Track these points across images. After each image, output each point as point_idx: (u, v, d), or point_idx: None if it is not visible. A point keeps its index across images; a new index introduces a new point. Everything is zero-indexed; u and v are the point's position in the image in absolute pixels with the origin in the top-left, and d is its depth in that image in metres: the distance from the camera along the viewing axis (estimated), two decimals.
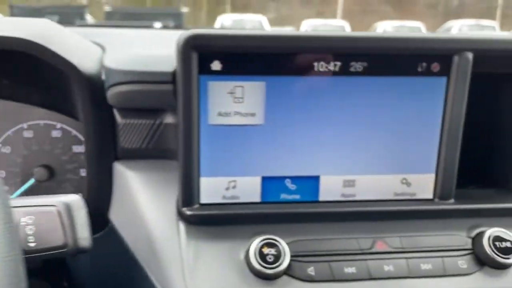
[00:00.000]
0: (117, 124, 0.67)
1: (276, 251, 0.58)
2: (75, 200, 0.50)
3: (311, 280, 0.58)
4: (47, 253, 0.43)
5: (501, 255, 0.60)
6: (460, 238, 0.64)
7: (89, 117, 0.66)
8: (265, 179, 0.63)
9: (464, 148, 0.82)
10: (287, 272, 0.59)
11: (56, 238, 0.44)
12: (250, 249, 0.58)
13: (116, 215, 0.70)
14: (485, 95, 0.77)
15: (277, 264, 0.57)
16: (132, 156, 0.69)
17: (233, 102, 0.59)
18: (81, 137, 0.75)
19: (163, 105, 0.64)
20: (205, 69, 0.58)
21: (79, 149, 0.76)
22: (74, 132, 0.76)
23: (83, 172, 0.77)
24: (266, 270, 0.57)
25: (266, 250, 0.58)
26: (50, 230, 0.44)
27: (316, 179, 0.64)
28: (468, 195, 0.67)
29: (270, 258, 0.57)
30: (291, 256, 0.60)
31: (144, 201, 0.65)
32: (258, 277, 0.58)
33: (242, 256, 0.60)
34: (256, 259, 0.57)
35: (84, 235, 0.47)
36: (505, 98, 0.72)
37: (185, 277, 0.57)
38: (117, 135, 0.68)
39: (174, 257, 0.59)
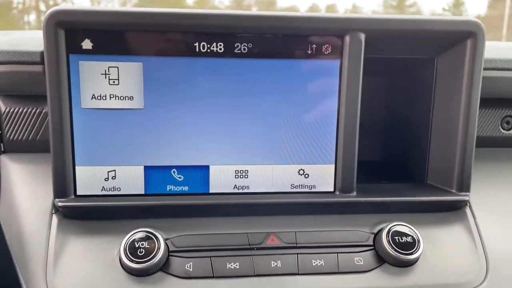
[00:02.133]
0: (0, 113, 0.63)
1: (149, 245, 0.53)
2: None
3: (187, 276, 0.53)
4: None
5: (401, 251, 0.56)
6: (362, 234, 0.59)
7: None
8: (148, 169, 0.59)
9: (380, 141, 0.79)
10: (163, 268, 0.54)
11: None
12: (122, 242, 0.53)
13: (2, 211, 0.65)
14: (398, 85, 0.74)
15: (148, 258, 0.52)
16: (19, 149, 0.65)
17: (108, 84, 0.56)
18: None
19: (43, 90, 0.60)
20: (75, 48, 0.54)
21: None
22: None
23: None
24: (135, 265, 0.52)
25: (138, 244, 0.53)
26: None
27: (205, 169, 0.59)
28: (373, 189, 0.63)
29: (141, 252, 0.53)
30: (171, 251, 0.55)
31: (21, 194, 0.60)
32: (130, 273, 0.53)
33: (116, 252, 0.55)
34: (126, 254, 0.52)
35: None
36: (415, 87, 0.69)
37: (46, 272, 0.52)
38: (1, 125, 0.64)
39: (39, 251, 0.54)
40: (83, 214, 0.57)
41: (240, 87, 0.58)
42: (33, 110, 0.63)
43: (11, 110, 0.63)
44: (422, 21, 0.57)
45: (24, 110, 0.63)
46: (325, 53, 0.58)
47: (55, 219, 0.57)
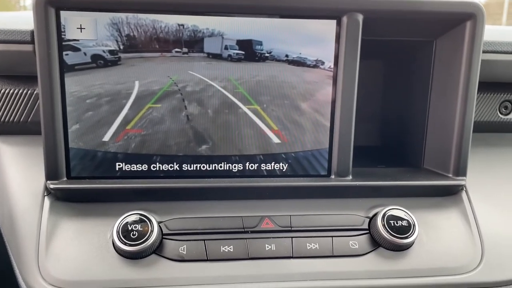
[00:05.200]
0: None
1: (142, 227, 0.53)
2: None
3: (181, 259, 0.53)
4: None
5: (396, 235, 0.55)
6: (357, 217, 0.58)
7: None
8: None
9: (378, 126, 0.78)
10: (157, 251, 0.53)
11: None
12: (114, 226, 0.53)
13: None
14: (397, 69, 0.73)
15: (141, 241, 0.52)
16: (11, 131, 0.64)
17: None
18: None
19: (34, 70, 0.59)
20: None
21: None
22: None
23: None
24: (128, 248, 0.51)
25: (131, 227, 0.53)
26: None
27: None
28: (369, 173, 0.62)
29: (134, 235, 0.52)
30: (164, 234, 0.54)
31: (13, 176, 0.59)
32: (123, 256, 0.53)
33: (108, 235, 0.54)
34: (119, 236, 0.52)
35: None
36: (413, 70, 0.68)
37: (38, 255, 0.52)
38: None
39: (31, 233, 0.53)
40: (75, 197, 0.57)
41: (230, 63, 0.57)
42: (25, 91, 0.62)
43: (2, 91, 0.62)
44: (421, 2, 0.56)
45: (15, 91, 0.62)
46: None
47: (47, 201, 0.56)
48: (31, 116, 0.63)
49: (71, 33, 0.53)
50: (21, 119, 0.63)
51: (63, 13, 0.52)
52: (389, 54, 0.73)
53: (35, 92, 0.62)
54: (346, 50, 0.56)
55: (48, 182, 0.56)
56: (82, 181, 0.57)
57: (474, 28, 0.57)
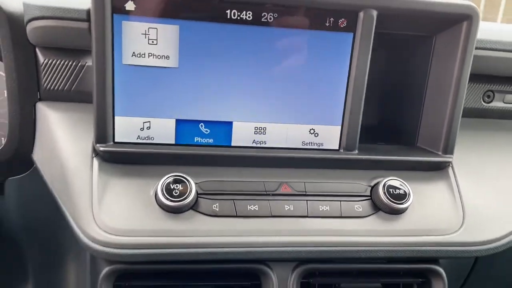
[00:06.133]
0: (39, 64, 0.69)
1: (182, 187, 0.61)
2: None
3: (215, 215, 0.62)
4: None
5: (394, 201, 0.66)
6: (361, 186, 0.69)
7: (10, 55, 0.67)
8: (179, 122, 0.66)
9: (378, 107, 0.88)
10: (193, 207, 0.62)
11: None
12: (159, 183, 0.61)
13: (38, 155, 0.71)
14: (398, 58, 0.82)
15: (182, 198, 0.61)
16: (55, 98, 0.71)
17: (147, 43, 0.62)
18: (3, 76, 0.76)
19: (83, 45, 0.66)
20: (119, 9, 0.60)
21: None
22: None
23: (5, 114, 0.78)
24: (171, 203, 0.60)
25: (173, 186, 0.61)
26: None
27: (229, 124, 0.67)
28: (372, 148, 0.72)
29: (176, 193, 0.61)
30: (199, 194, 0.63)
31: (62, 139, 0.67)
32: (165, 210, 0.61)
33: (151, 192, 0.63)
34: (163, 193, 0.61)
35: None
36: (413, 60, 0.77)
37: (93, 208, 0.60)
38: (40, 75, 0.69)
39: (84, 190, 0.61)
40: (121, 159, 0.65)
41: (263, 52, 0.65)
42: (70, 63, 0.69)
43: (50, 62, 0.68)
44: (427, 3, 0.65)
45: (62, 62, 0.68)
46: (341, 26, 0.65)
47: (95, 162, 0.64)
48: (74, 85, 0.70)
49: None
50: (65, 88, 0.70)
51: None
52: (393, 46, 0.82)
53: (79, 64, 0.69)
54: (361, 42, 0.65)
55: (97, 145, 0.63)
56: (126, 145, 0.65)
57: (470, 27, 0.67)
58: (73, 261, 0.80)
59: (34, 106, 0.71)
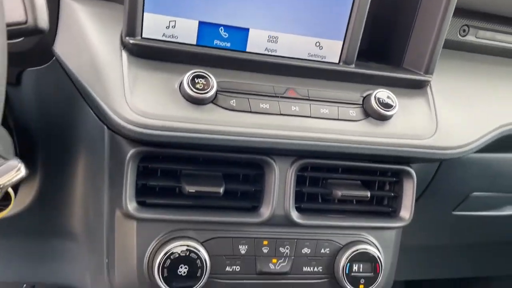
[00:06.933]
0: None
1: (205, 82, 0.69)
2: None
3: (232, 109, 0.71)
4: (9, 28, 0.49)
5: (383, 108, 0.77)
6: (355, 95, 0.79)
7: None
8: (201, 24, 0.72)
9: (371, 30, 0.97)
10: (213, 101, 0.70)
11: (17, 14, 0.50)
12: (185, 77, 0.68)
13: (62, 47, 0.75)
14: None
15: (205, 91, 0.68)
16: None
17: None
18: None
19: None
20: None
21: None
22: None
23: None
24: (195, 95, 0.68)
25: (197, 80, 0.69)
26: (13, 8, 0.50)
27: (246, 31, 0.74)
28: (366, 65, 0.82)
29: (200, 86, 0.68)
30: (218, 90, 0.71)
31: (91, 31, 0.71)
32: (189, 101, 0.69)
33: (176, 85, 0.70)
34: (188, 85, 0.68)
35: (43, 16, 0.53)
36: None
37: (125, 95, 0.67)
38: None
39: (116, 79, 0.67)
40: (147, 53, 0.70)
41: None
42: None
43: None
44: None
45: None
46: None
47: (124, 54, 0.70)
48: None
49: None
50: None
51: None
52: None
53: None
54: None
55: (126, 38, 0.69)
56: (153, 41, 0.70)
57: None
58: (85, 154, 0.86)
59: (59, 1, 0.74)
